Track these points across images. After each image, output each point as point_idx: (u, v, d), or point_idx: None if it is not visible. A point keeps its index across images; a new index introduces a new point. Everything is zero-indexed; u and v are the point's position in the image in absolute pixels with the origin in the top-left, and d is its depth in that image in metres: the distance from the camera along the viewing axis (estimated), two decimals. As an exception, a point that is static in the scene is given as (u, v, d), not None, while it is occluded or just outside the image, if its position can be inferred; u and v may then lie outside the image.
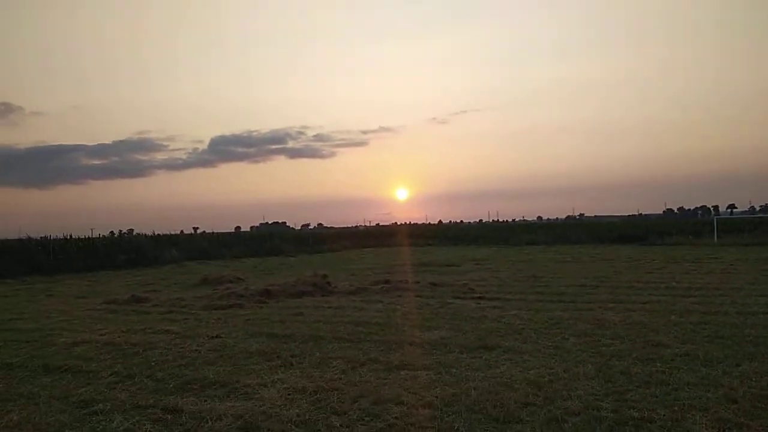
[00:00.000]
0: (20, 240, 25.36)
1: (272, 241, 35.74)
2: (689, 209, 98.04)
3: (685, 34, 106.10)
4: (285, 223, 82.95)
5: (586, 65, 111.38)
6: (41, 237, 25.81)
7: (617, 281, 13.87)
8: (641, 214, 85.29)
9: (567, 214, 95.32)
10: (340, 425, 4.49)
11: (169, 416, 4.83)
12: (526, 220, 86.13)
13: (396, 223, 67.23)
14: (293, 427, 4.48)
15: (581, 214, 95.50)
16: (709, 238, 31.85)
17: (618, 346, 6.89)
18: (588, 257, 23.02)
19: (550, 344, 7.10)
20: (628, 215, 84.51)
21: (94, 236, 29.16)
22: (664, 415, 4.45)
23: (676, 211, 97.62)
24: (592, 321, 8.54)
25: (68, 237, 26.47)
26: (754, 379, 5.32)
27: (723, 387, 5.10)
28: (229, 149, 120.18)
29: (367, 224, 68.64)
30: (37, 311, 11.63)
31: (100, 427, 4.65)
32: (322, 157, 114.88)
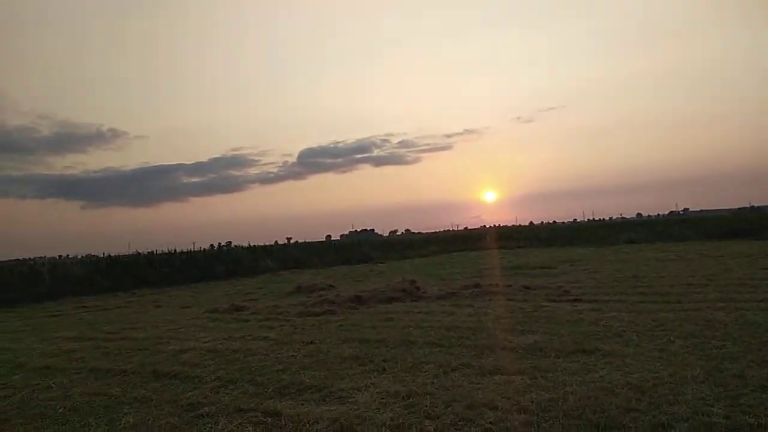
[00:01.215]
0: (129, 255, 27.42)
1: (361, 248, 36.34)
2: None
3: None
4: (373, 230, 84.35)
5: (678, 52, 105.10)
6: (148, 252, 27.85)
7: (728, 279, 12.85)
8: (753, 206, 78.88)
9: (669, 210, 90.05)
10: (434, 429, 4.47)
11: (269, 419, 5.01)
12: (624, 218, 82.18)
13: (485, 225, 66.37)
14: (387, 430, 4.51)
15: (685, 209, 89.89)
16: (835, 228, 28.82)
17: (730, 348, 6.39)
18: (694, 254, 21.51)
19: (653, 347, 6.69)
20: (738, 208, 78.44)
21: (195, 249, 30.95)
22: (785, 422, 4.06)
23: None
24: (700, 322, 7.97)
25: (173, 251, 28.41)
26: None
27: None
28: (317, 161, 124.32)
29: (455, 228, 68.16)
30: (147, 321, 12.48)
31: (207, 429, 4.91)
32: (407, 163, 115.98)
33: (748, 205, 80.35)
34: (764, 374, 5.28)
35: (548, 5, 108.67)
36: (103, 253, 29.09)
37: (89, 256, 34.41)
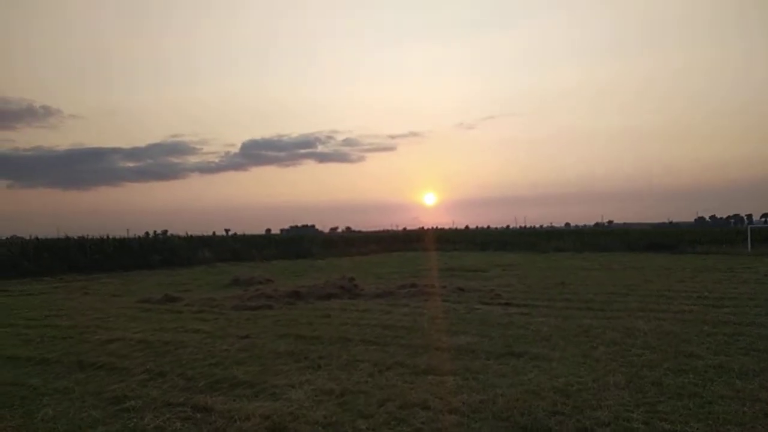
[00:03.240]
0: (59, 239, 26.02)
1: (301, 243, 36.05)
2: (721, 218, 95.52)
3: (719, 33, 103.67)
4: (314, 226, 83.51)
5: (614, 69, 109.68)
6: (78, 237, 26.47)
7: (647, 290, 13.60)
8: (672, 222, 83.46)
9: (595, 221, 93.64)
10: (367, 428, 4.51)
11: (199, 415, 4.92)
12: (554, 227, 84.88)
13: (423, 227, 66.71)
14: (320, 429, 4.52)
15: (610, 221, 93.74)
16: (743, 247, 30.98)
17: (649, 356, 6.77)
18: (617, 265, 22.62)
19: (578, 352, 7.00)
20: (658, 223, 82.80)
21: (129, 237, 29.75)
22: (697, 429, 4.36)
23: (708, 219, 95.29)
24: (621, 330, 8.40)
25: (105, 237, 27.13)
26: (792, 394, 5.17)
27: (760, 402, 4.97)
28: (260, 153, 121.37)
29: (395, 228, 68.57)
30: (74, 308, 11.93)
31: (132, 423, 4.75)
32: (351, 161, 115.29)
33: (667, 221, 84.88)
34: (680, 382, 5.62)
35: (494, 15, 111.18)
36: (30, 236, 27.45)
37: (14, 238, 32.37)
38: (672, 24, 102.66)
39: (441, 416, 4.74)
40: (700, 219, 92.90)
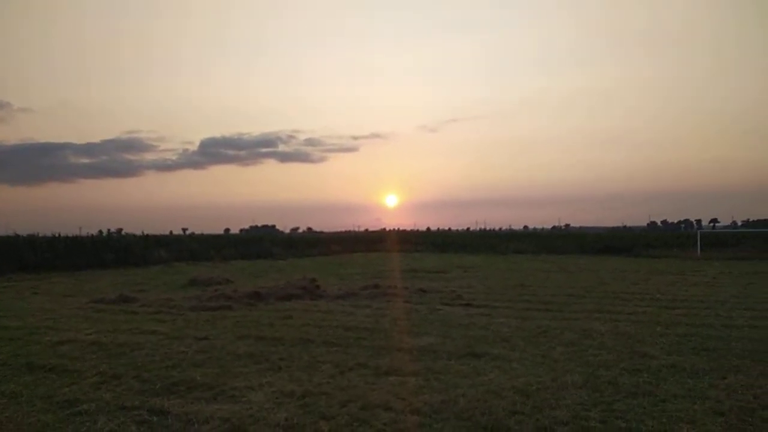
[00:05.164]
0: (7, 237, 25.03)
1: (262, 243, 35.62)
2: (673, 222, 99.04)
3: (669, 46, 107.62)
4: (274, 226, 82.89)
5: (572, 76, 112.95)
6: (28, 234, 25.54)
7: (603, 291, 13.96)
8: (626, 226, 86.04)
9: (553, 224, 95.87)
10: (329, 430, 4.47)
11: (155, 418, 4.78)
12: (513, 229, 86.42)
13: (385, 228, 66.93)
14: (281, 431, 4.45)
15: (567, 225, 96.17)
16: (693, 251, 32.17)
17: (605, 356, 6.93)
18: (574, 267, 23.16)
19: (537, 353, 7.12)
20: (613, 227, 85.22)
21: (82, 235, 28.85)
22: (652, 427, 4.47)
23: (659, 223, 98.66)
24: (579, 331, 8.58)
25: (56, 235, 26.26)
26: (740, 392, 5.37)
27: (710, 399, 5.15)
28: (219, 151, 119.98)
29: (357, 229, 68.58)
30: (23, 309, 11.48)
31: (84, 428, 4.59)
32: (312, 161, 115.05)
33: (622, 225, 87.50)
34: (635, 381, 5.78)
35: (458, 20, 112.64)
36: (-25, 233, 26.33)
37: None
38: (635, 36, 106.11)
39: (403, 417, 4.73)
40: (653, 223, 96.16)
